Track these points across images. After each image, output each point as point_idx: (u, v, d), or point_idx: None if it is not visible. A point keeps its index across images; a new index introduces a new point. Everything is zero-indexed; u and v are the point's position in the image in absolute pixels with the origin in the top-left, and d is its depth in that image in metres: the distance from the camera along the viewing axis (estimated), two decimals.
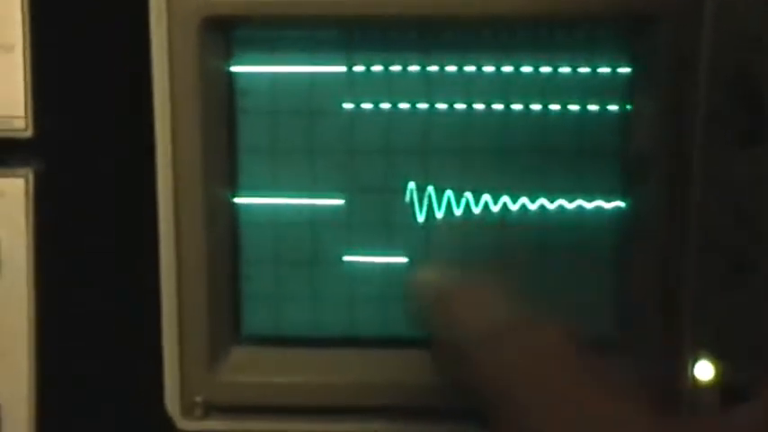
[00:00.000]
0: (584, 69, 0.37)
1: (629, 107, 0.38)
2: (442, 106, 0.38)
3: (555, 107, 0.38)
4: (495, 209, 0.38)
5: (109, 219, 0.40)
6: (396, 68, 0.38)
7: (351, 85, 0.38)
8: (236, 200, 0.39)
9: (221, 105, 0.38)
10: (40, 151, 0.39)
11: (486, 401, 0.30)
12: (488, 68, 0.38)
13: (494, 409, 0.30)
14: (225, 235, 0.39)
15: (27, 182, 0.38)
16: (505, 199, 0.38)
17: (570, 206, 0.38)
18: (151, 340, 0.39)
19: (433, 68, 0.38)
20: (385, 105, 0.38)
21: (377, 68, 0.38)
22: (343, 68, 0.38)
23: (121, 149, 0.40)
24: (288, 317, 0.40)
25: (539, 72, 0.38)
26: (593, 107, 0.38)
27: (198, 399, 0.39)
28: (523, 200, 0.38)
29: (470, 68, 0.38)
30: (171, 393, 0.39)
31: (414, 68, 0.38)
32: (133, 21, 0.37)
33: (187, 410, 0.39)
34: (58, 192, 0.39)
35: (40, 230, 0.39)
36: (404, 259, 0.39)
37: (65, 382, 0.40)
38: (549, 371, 0.29)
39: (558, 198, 0.38)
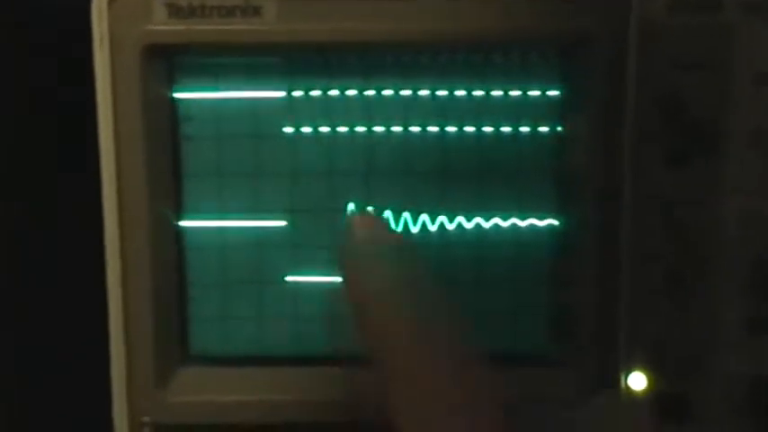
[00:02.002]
0: (515, 92, 0.39)
1: (559, 128, 0.39)
2: (379, 129, 0.39)
3: (488, 129, 0.39)
4: (433, 228, 0.39)
5: (54, 242, 0.41)
6: (334, 93, 0.39)
7: (291, 109, 0.39)
8: (182, 223, 0.40)
9: (165, 131, 0.39)
10: None
11: (372, 356, 0.31)
12: (424, 92, 0.39)
13: (376, 364, 0.31)
14: (171, 257, 0.40)
15: None
16: (443, 218, 0.39)
17: (505, 224, 0.39)
18: (98, 361, 0.39)
19: (371, 93, 0.39)
20: (324, 129, 0.39)
21: (316, 93, 0.39)
22: (283, 93, 0.39)
23: (66, 175, 0.40)
24: (234, 336, 0.41)
25: (472, 95, 0.39)
26: (525, 129, 0.39)
27: (146, 419, 0.40)
28: (460, 219, 0.39)
29: (407, 92, 0.39)
30: (119, 414, 0.40)
31: (352, 93, 0.39)
32: (76, 48, 0.38)
33: (135, 431, 0.40)
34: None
35: None
36: None
37: (10, 404, 0.40)
38: (428, 344, 0.30)
39: (492, 216, 0.39)
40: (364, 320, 0.32)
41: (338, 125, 0.39)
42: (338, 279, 0.39)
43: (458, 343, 0.31)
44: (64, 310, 0.41)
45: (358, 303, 0.32)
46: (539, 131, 0.39)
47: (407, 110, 0.39)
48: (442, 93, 0.39)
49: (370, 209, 0.39)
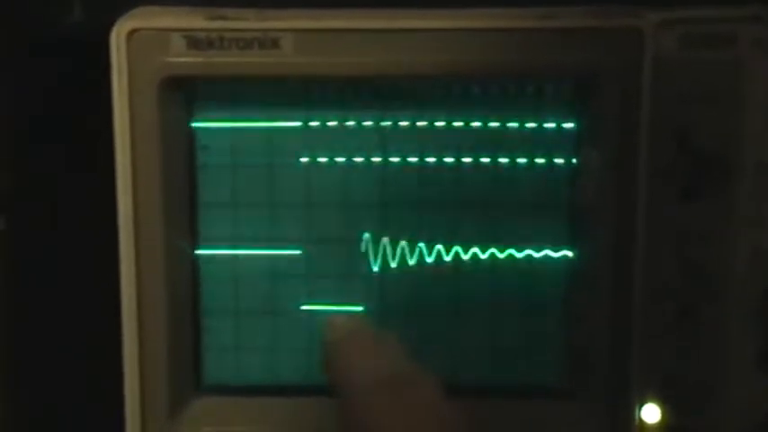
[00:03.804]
0: (531, 125, 0.39)
1: (574, 160, 0.39)
2: (395, 160, 0.39)
3: (504, 161, 0.39)
4: (448, 258, 0.40)
5: (69, 272, 0.41)
6: (350, 123, 0.39)
7: (307, 139, 0.40)
8: (197, 252, 0.40)
9: (182, 160, 0.39)
10: None
11: None
12: (440, 124, 0.39)
13: None
14: (186, 286, 0.40)
15: None
16: (457, 249, 0.39)
17: (519, 255, 0.39)
18: (113, 390, 0.39)
19: (387, 123, 0.39)
20: (340, 159, 0.40)
21: (332, 123, 0.39)
22: (299, 124, 0.39)
23: (82, 206, 0.40)
24: (248, 366, 0.41)
25: (488, 127, 0.39)
26: (540, 160, 0.39)
27: None
28: (475, 249, 0.39)
29: (423, 124, 0.39)
30: None
31: (368, 123, 0.39)
32: (95, 79, 0.38)
33: None
34: (16, 249, 0.40)
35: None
36: (360, 308, 0.40)
37: None
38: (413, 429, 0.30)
39: (507, 248, 0.39)
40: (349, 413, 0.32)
41: (354, 155, 0.40)
42: (352, 308, 0.40)
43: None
44: (79, 341, 0.41)
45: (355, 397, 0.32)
46: (554, 163, 0.39)
47: (423, 141, 0.39)
48: (457, 124, 0.39)
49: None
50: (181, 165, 0.39)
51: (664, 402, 0.39)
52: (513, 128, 0.39)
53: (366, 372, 0.32)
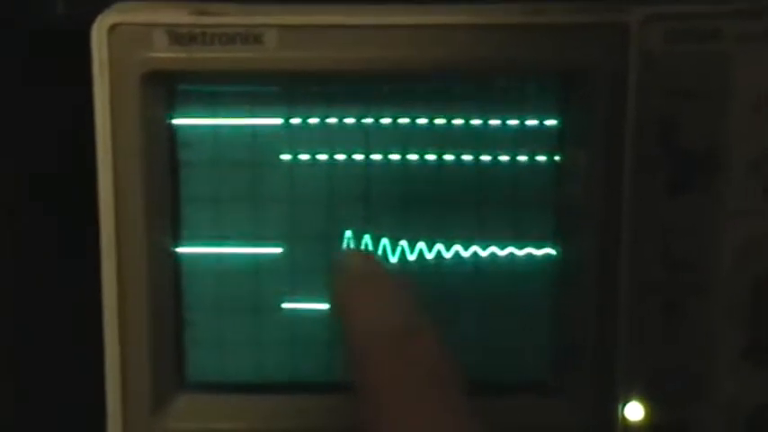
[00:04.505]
0: (513, 121, 0.39)
1: (557, 157, 0.39)
2: (377, 157, 0.39)
3: (486, 158, 0.39)
4: (430, 256, 0.39)
5: (51, 269, 0.41)
6: (332, 120, 0.39)
7: (289, 136, 0.39)
8: (179, 249, 0.40)
9: (163, 157, 0.39)
10: None
11: (357, 393, 0.31)
12: (422, 121, 0.39)
13: (360, 401, 0.30)
14: (167, 283, 0.40)
15: None
16: (440, 247, 0.39)
17: (502, 253, 0.39)
18: (94, 388, 0.39)
19: (369, 121, 0.39)
20: (322, 156, 0.39)
21: (314, 121, 0.39)
22: (281, 121, 0.39)
23: (64, 202, 0.40)
24: (231, 363, 0.41)
25: (470, 124, 0.39)
26: (523, 158, 0.39)
27: None
28: (457, 247, 0.39)
29: (405, 121, 0.39)
30: None
31: (350, 121, 0.39)
32: (76, 73, 0.38)
33: None
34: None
35: None
36: None
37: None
38: (414, 385, 0.30)
39: (490, 245, 0.39)
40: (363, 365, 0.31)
41: (336, 153, 0.39)
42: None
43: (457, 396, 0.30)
44: (60, 336, 0.41)
45: (356, 345, 0.31)
46: (537, 161, 0.39)
47: (405, 138, 0.39)
48: (440, 121, 0.39)
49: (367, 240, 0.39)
50: (162, 161, 0.39)
51: (649, 398, 0.39)
52: (495, 125, 0.39)
53: (368, 322, 0.31)
